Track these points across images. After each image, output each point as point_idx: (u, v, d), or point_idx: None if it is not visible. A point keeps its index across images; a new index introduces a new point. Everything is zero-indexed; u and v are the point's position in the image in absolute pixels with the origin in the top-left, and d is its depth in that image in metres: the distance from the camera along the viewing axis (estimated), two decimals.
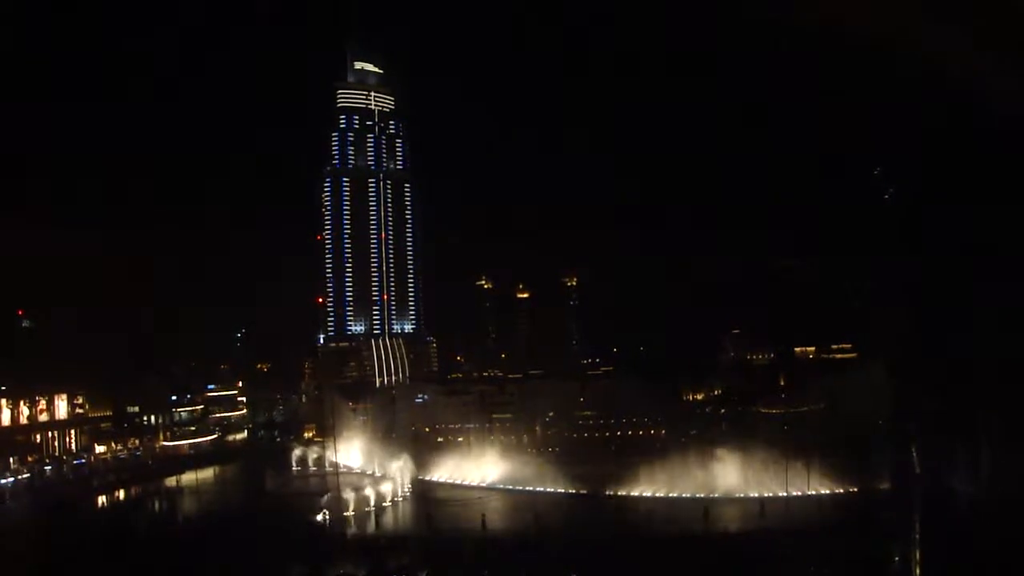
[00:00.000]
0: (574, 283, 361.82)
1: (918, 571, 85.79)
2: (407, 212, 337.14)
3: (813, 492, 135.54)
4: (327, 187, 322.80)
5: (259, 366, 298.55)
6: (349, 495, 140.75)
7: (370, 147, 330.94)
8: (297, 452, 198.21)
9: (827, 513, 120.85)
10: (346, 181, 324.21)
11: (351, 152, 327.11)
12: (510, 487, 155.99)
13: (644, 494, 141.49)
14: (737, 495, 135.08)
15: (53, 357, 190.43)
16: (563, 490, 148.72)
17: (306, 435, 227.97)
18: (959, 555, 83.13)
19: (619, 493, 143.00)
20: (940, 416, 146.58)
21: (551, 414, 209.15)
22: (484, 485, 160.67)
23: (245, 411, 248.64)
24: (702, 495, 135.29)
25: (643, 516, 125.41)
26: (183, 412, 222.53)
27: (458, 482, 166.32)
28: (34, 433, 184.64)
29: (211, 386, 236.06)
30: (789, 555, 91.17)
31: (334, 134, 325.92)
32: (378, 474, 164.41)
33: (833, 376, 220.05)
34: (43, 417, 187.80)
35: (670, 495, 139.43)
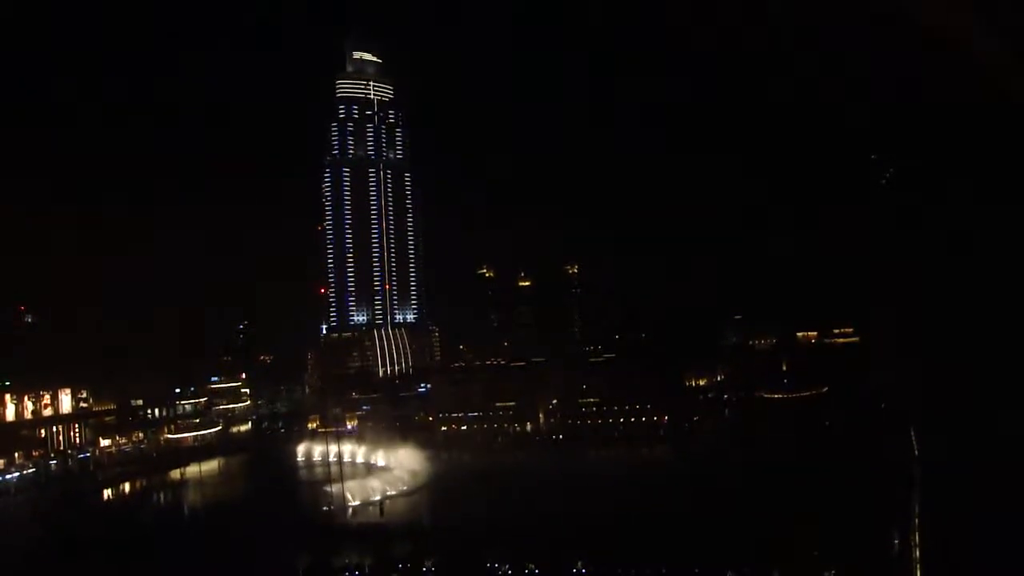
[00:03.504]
0: (575, 271, 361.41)
1: None
2: (407, 201, 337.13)
3: None
4: (327, 177, 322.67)
5: (262, 357, 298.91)
6: (353, 485, 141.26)
7: (370, 137, 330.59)
8: (301, 443, 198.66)
9: None
10: (346, 171, 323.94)
11: (351, 142, 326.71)
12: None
13: None
14: None
15: (56, 352, 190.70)
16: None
17: (310, 426, 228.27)
18: None
19: None
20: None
21: (554, 401, 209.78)
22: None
23: (249, 403, 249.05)
24: None
25: None
26: (187, 405, 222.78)
27: (462, 471, 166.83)
28: (39, 428, 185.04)
29: (214, 378, 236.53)
30: None
31: (333, 124, 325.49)
32: (382, 464, 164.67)
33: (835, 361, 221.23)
34: (47, 411, 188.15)
35: None
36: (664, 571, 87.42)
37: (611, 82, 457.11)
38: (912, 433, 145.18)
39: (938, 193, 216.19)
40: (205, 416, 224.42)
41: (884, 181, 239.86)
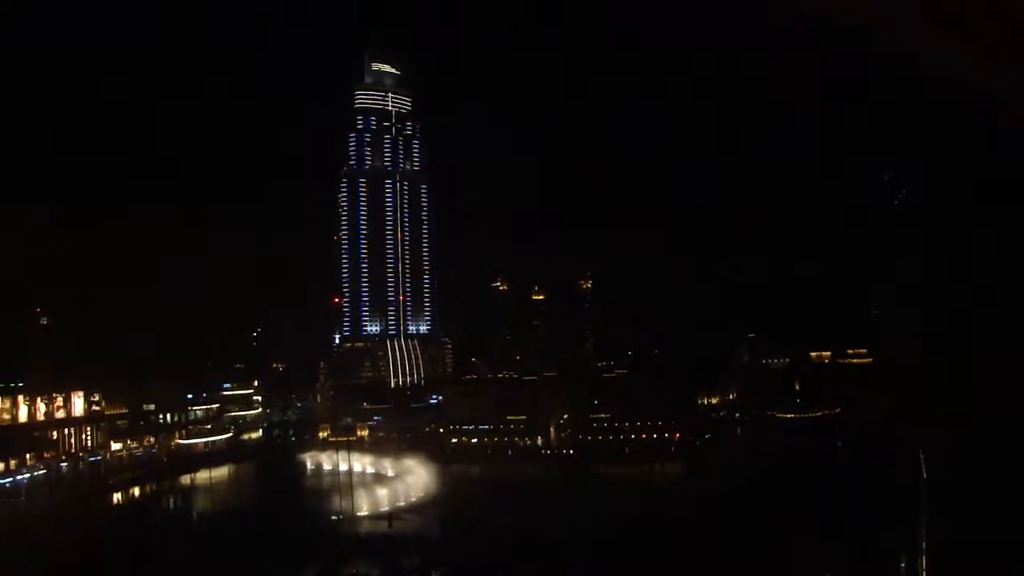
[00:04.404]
0: (589, 285, 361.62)
1: None
2: (423, 213, 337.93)
3: None
4: (344, 188, 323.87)
5: (275, 365, 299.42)
6: (363, 495, 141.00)
7: (387, 148, 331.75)
8: (311, 452, 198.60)
9: None
10: (363, 182, 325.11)
11: (368, 153, 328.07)
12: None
13: None
14: None
15: (70, 355, 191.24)
16: None
17: (321, 435, 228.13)
18: None
19: None
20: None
21: (565, 416, 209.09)
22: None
23: (260, 410, 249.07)
24: None
25: None
26: (199, 410, 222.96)
27: (472, 483, 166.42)
28: (50, 430, 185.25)
29: (227, 385, 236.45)
30: None
31: (351, 135, 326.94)
32: (392, 474, 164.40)
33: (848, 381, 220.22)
34: (60, 414, 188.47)
35: None
36: None
37: (621, 89, 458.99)
38: (921, 455, 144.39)
39: (947, 208, 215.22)
40: (217, 422, 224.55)
41: (896, 201, 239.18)
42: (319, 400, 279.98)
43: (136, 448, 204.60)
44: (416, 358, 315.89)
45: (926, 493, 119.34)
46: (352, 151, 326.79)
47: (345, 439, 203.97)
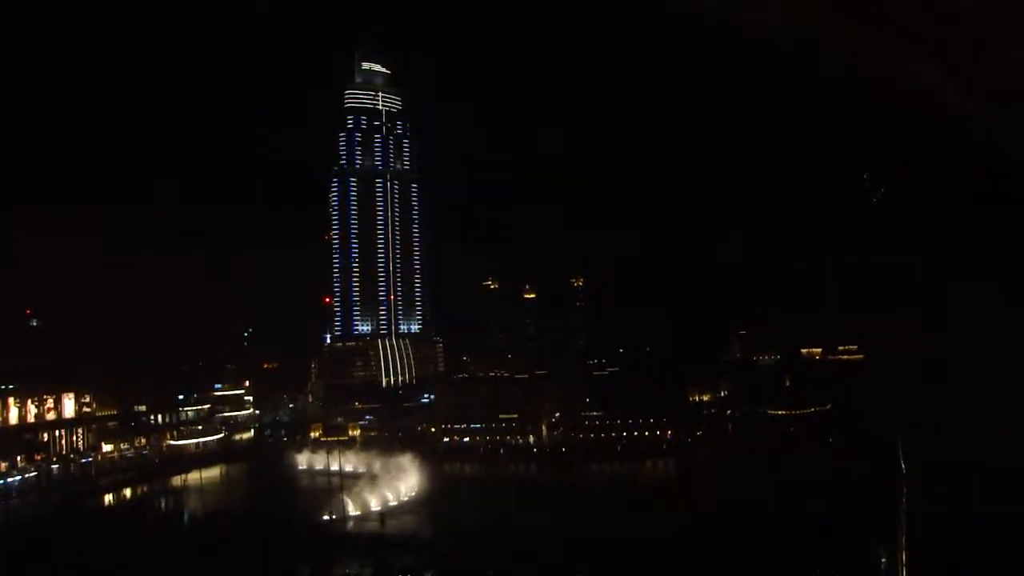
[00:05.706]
0: (580, 283, 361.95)
1: None
2: (414, 212, 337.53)
3: None
4: (334, 187, 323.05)
5: (266, 366, 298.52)
6: (354, 495, 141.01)
7: (377, 147, 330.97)
8: (303, 452, 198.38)
9: None
10: (353, 181, 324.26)
11: (358, 152, 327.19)
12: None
13: None
14: None
15: (61, 356, 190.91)
16: None
17: (313, 435, 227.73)
18: None
19: None
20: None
21: (557, 414, 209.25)
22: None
23: (252, 410, 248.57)
24: None
25: None
26: (190, 411, 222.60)
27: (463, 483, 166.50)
28: (41, 432, 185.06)
29: (218, 385, 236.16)
30: None
31: (342, 135, 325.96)
32: (384, 474, 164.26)
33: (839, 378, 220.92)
34: (50, 416, 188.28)
35: None
36: None
37: (618, 89, 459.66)
38: (900, 453, 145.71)
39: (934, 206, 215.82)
40: (208, 423, 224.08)
41: (876, 200, 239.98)
42: (311, 400, 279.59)
43: (127, 449, 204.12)
44: (407, 357, 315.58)
45: (905, 489, 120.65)
46: (343, 150, 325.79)
47: (337, 439, 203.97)
